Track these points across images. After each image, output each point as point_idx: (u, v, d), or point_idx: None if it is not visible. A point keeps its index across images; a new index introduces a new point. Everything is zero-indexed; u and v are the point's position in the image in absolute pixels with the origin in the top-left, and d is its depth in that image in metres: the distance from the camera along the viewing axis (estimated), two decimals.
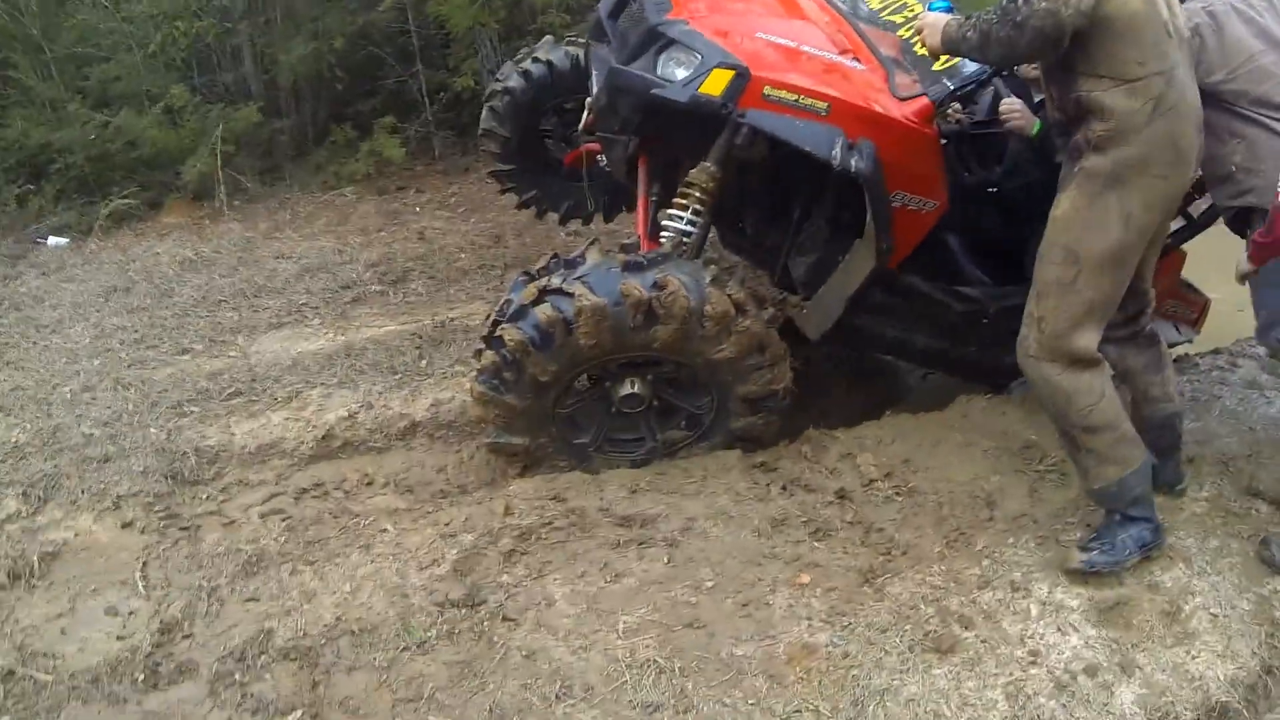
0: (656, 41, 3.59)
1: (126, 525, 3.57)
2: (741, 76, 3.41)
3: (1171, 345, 4.22)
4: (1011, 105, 3.87)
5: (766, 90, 3.44)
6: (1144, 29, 2.82)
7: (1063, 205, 3.03)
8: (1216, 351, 4.84)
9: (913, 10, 4.09)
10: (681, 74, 3.49)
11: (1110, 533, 3.19)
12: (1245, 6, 3.48)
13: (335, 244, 6.46)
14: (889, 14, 4.13)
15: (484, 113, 5.25)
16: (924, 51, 3.48)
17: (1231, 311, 4.48)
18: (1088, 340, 3.04)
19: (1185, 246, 4.14)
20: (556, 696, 2.59)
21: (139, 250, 6.59)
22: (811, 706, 2.64)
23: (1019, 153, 4.05)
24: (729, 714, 2.59)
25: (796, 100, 3.44)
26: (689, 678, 2.68)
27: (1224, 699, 2.85)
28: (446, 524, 3.30)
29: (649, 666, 2.70)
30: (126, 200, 7.31)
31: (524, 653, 2.72)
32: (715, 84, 3.40)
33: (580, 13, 8.24)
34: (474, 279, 5.87)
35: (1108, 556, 3.15)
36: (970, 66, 3.67)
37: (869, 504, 3.52)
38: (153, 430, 4.14)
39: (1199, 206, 3.97)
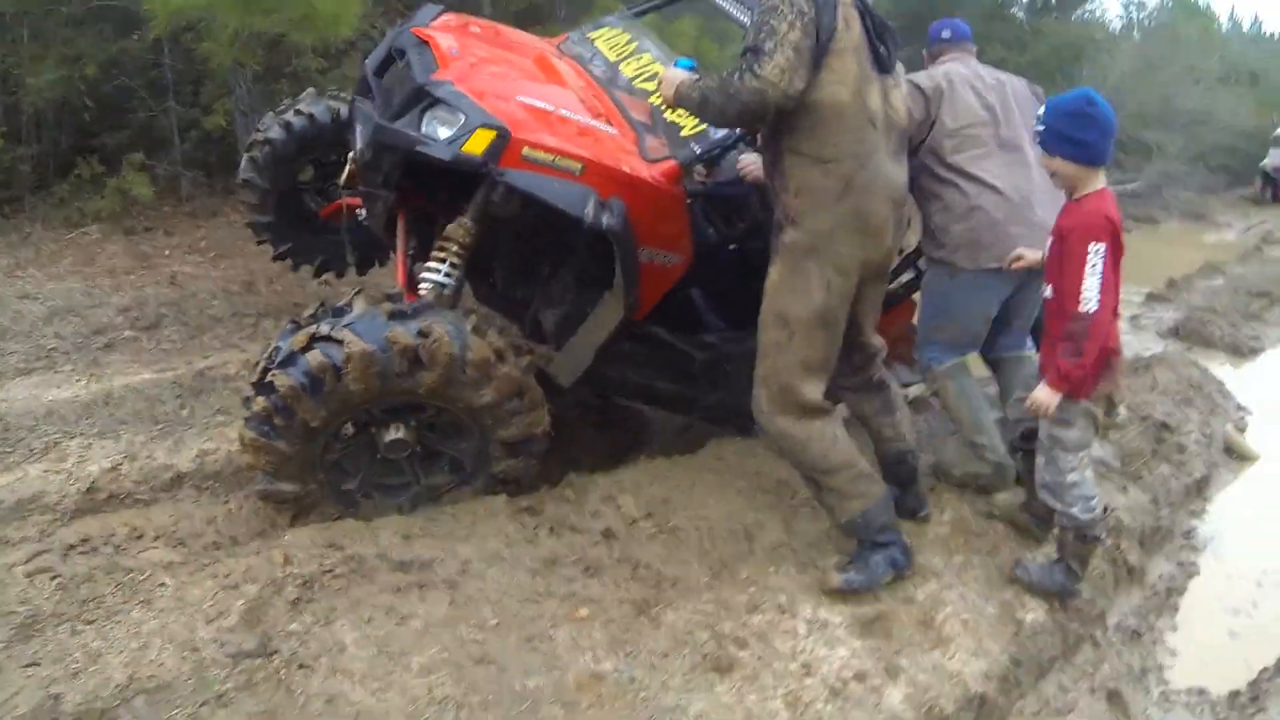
0: (422, 100, 3.72)
1: None
2: (502, 137, 3.57)
3: (906, 385, 4.71)
4: (749, 159, 4.18)
5: (525, 151, 3.62)
6: (846, 118, 3.22)
7: (772, 275, 3.43)
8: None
9: None
10: (445, 132, 3.62)
11: (863, 556, 3.55)
12: (976, 80, 4.20)
13: (83, 285, 6.25)
14: (641, 81, 4.41)
15: (244, 162, 5.25)
16: (659, 101, 3.81)
17: None
18: (812, 392, 3.41)
19: None
20: None
21: None
22: None
23: (760, 212, 4.37)
24: None
25: (552, 161, 3.65)
26: (488, 710, 2.80)
27: (981, 690, 3.26)
28: (227, 575, 3.28)
29: (448, 703, 2.80)
30: None
31: (324, 698, 2.76)
32: (477, 143, 3.56)
33: (335, 58, 8.26)
34: (228, 326, 5.82)
35: (863, 576, 3.51)
36: (719, 132, 3.98)
37: (634, 542, 3.72)
38: None
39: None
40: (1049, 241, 3.50)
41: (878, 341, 3.79)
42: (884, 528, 3.56)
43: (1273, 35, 48.21)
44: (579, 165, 3.68)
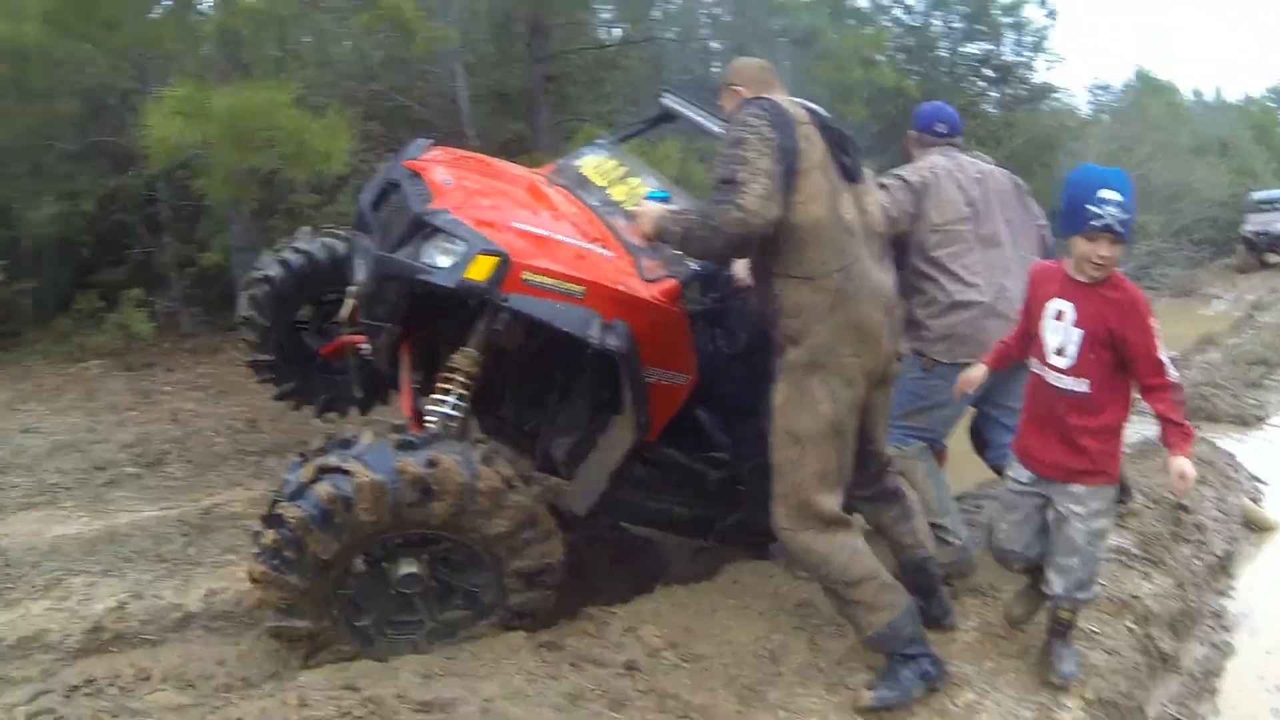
0: (421, 230, 3.73)
1: None
2: (504, 262, 3.58)
3: None
4: (743, 267, 4.11)
5: (525, 275, 3.62)
6: (825, 233, 3.28)
7: (777, 397, 3.43)
8: (961, 497, 5.27)
9: None
10: (446, 261, 3.62)
11: (894, 671, 3.47)
12: (959, 173, 4.32)
13: (86, 421, 6.24)
14: (632, 205, 4.36)
15: (242, 300, 5.23)
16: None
17: (968, 453, 4.94)
18: (830, 504, 3.39)
19: None
20: None
21: None
22: None
23: (760, 324, 4.43)
24: None
25: (555, 285, 3.65)
26: None
27: None
28: (239, 719, 3.26)
29: None
30: None
31: None
32: (480, 269, 3.56)
33: (329, 193, 8.40)
34: (232, 464, 5.79)
35: (895, 692, 3.43)
36: None
37: (659, 672, 3.63)
38: None
39: None
40: (1076, 336, 3.43)
41: (890, 450, 3.81)
42: (912, 639, 3.49)
43: (1235, 103, 49.41)
44: (581, 289, 3.69)
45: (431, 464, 3.41)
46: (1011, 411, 4.27)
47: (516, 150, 10.13)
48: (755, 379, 4.39)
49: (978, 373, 3.83)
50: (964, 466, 5.23)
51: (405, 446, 3.45)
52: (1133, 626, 4.12)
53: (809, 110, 3.40)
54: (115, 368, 7.41)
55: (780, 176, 3.18)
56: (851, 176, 3.43)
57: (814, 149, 3.29)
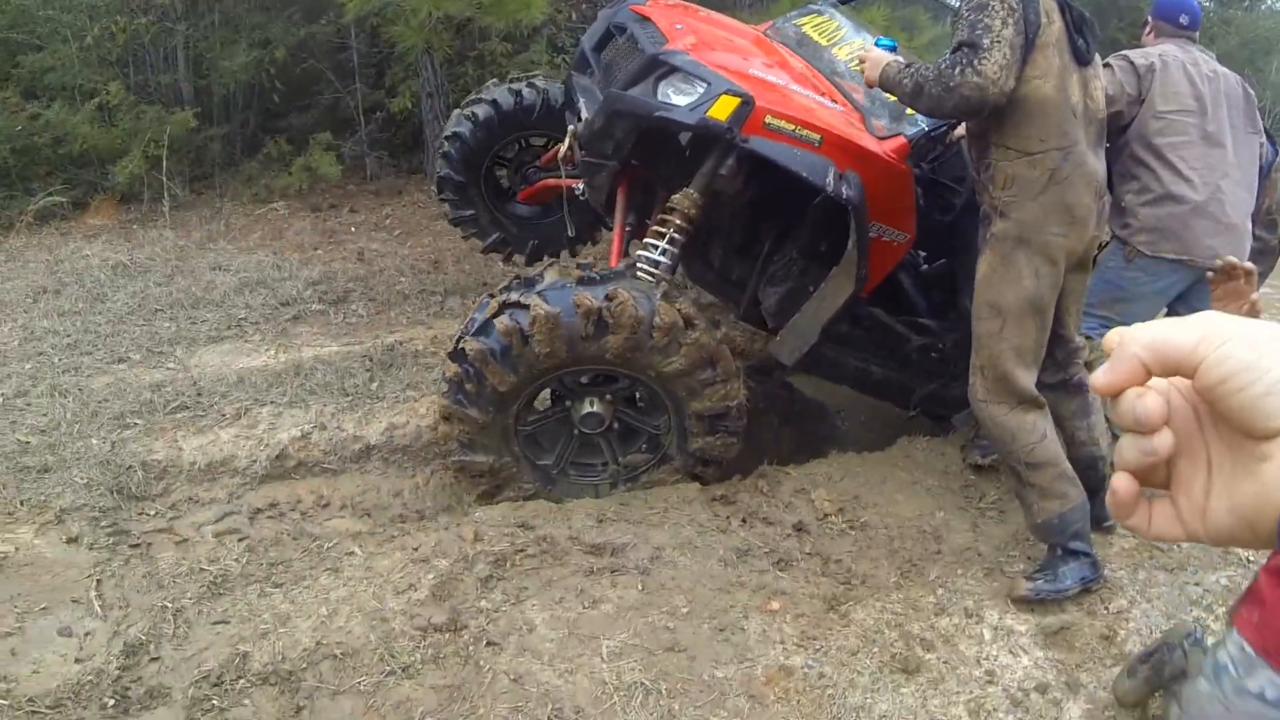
0: (656, 70, 3.68)
1: (72, 540, 3.42)
2: (747, 104, 3.52)
3: None
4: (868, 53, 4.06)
5: (768, 119, 3.56)
6: (1050, 111, 3.23)
7: (982, 268, 3.43)
8: None
9: None
10: (682, 100, 3.59)
11: (1053, 565, 3.42)
12: (1192, 66, 4.12)
13: (273, 259, 6.37)
14: (857, 65, 4.27)
15: (438, 161, 5.29)
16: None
17: None
18: (1026, 381, 3.39)
19: None
20: (548, 719, 2.59)
21: (66, 251, 6.44)
22: None
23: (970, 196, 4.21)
24: None
25: (794, 130, 3.58)
26: (675, 699, 2.71)
27: (1159, 713, 3.01)
28: (416, 548, 3.27)
29: (636, 689, 2.72)
30: (53, 197, 7.10)
31: (511, 676, 2.70)
32: (723, 109, 3.51)
33: (522, 42, 8.28)
34: (414, 304, 5.84)
35: (1051, 585, 3.38)
36: None
37: (825, 537, 3.62)
38: (94, 441, 4.01)
39: None
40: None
41: (1080, 339, 3.73)
42: (1077, 535, 3.43)
43: None
44: (819, 136, 3.62)
45: (609, 298, 3.42)
46: None
47: (717, 6, 9.81)
48: (963, 248, 4.29)
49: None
50: None
51: (585, 282, 3.49)
52: None
53: None
54: (301, 209, 7.52)
55: (1020, 49, 3.12)
56: (1082, 59, 3.33)
57: (1053, 25, 3.22)
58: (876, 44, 3.70)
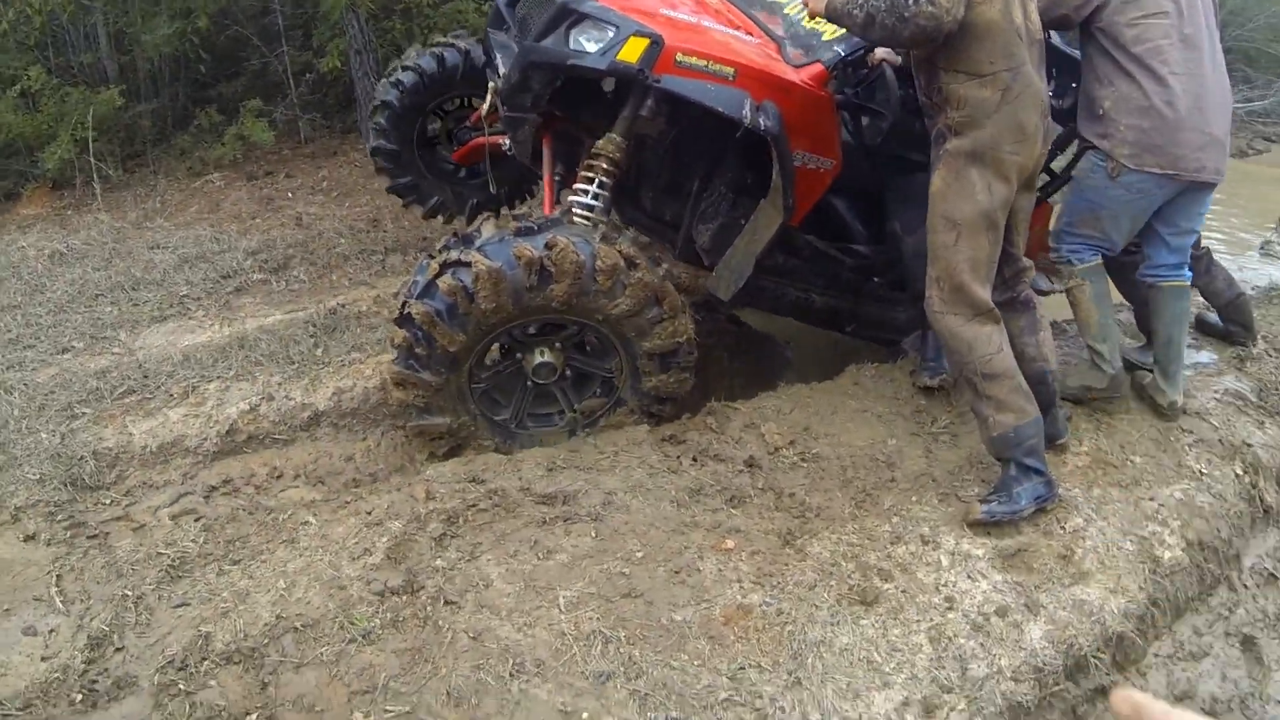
0: (567, 18, 3.67)
1: (30, 538, 3.42)
2: (655, 44, 3.52)
3: (1043, 294, 4.52)
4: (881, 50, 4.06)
5: (679, 56, 3.56)
6: (997, 34, 3.28)
7: (936, 183, 3.46)
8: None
9: None
10: (593, 46, 3.59)
11: (1007, 486, 3.46)
12: None
13: (211, 232, 6.30)
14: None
15: (370, 133, 5.29)
16: (804, 17, 3.84)
17: None
18: (981, 292, 3.44)
19: None
20: (510, 674, 2.61)
21: (0, 244, 6.32)
22: (754, 663, 2.75)
23: (899, 116, 4.21)
24: (679, 676, 2.67)
25: (706, 65, 3.59)
26: (635, 645, 2.74)
27: (1119, 629, 3.12)
28: (369, 513, 3.28)
29: (595, 637, 2.75)
30: None
31: (471, 634, 2.72)
32: (632, 51, 3.52)
33: None
34: (355, 264, 5.81)
35: (1006, 507, 3.41)
36: None
37: (777, 471, 3.65)
38: (44, 435, 3.98)
39: (1060, 164, 4.43)
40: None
41: (1027, 258, 3.79)
42: (1032, 450, 3.47)
43: None
44: (731, 70, 3.62)
45: (548, 246, 3.44)
46: (1182, 232, 4.10)
47: None
48: (892, 171, 4.38)
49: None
50: None
51: (523, 233, 3.50)
52: (1240, 473, 3.99)
53: None
54: (237, 179, 7.43)
55: None
56: None
57: None
58: None
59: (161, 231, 6.39)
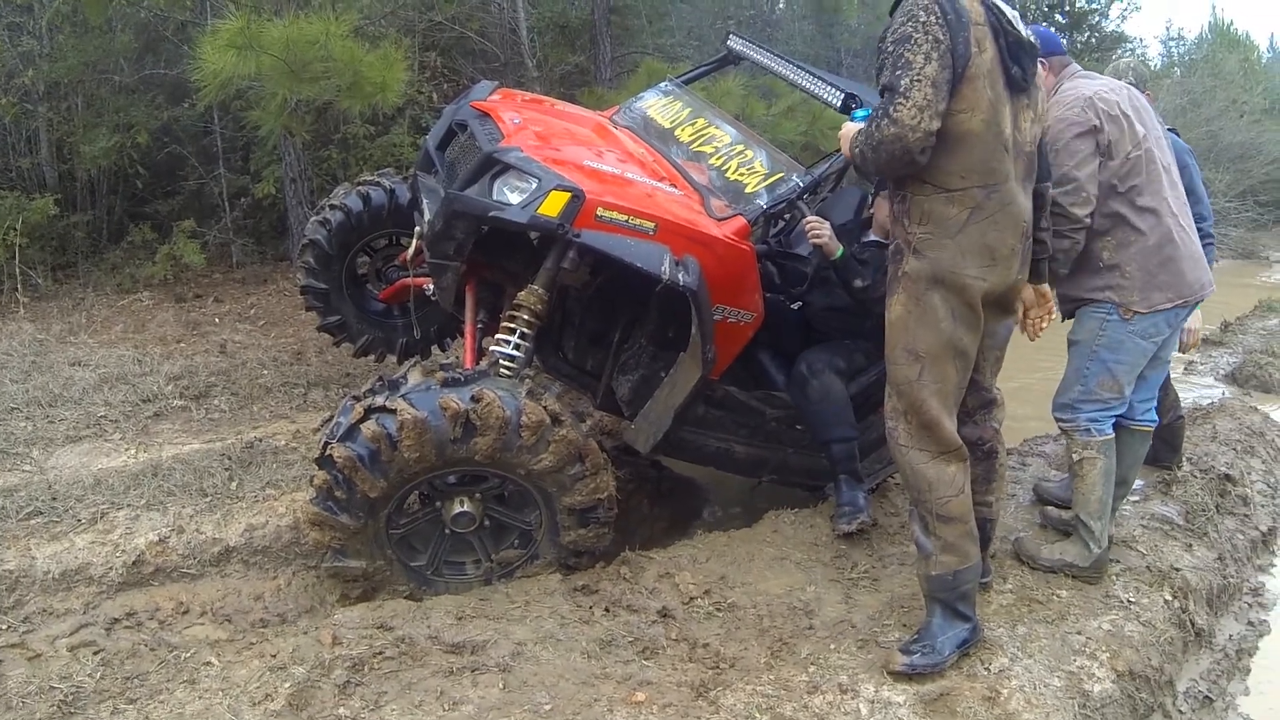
0: (492, 168, 3.74)
1: None
2: (577, 198, 3.59)
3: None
4: (820, 226, 4.14)
5: (599, 211, 3.63)
6: (975, 146, 3.06)
7: (895, 309, 3.26)
8: (1008, 452, 5.13)
9: (722, 142, 4.41)
10: (517, 198, 3.65)
11: (931, 635, 3.39)
12: (1115, 93, 3.91)
13: (134, 353, 6.25)
14: (698, 146, 4.44)
15: (299, 271, 5.31)
16: (729, 168, 3.98)
17: (1017, 411, 4.76)
18: (950, 428, 3.29)
19: None
20: None
21: None
22: None
23: (822, 270, 4.35)
24: None
25: (627, 220, 3.66)
26: None
27: None
28: (274, 655, 3.22)
29: None
30: None
31: None
32: (553, 205, 3.57)
33: (383, 125, 8.36)
34: (278, 397, 5.79)
35: (928, 659, 3.34)
36: (784, 186, 4.03)
37: (691, 621, 3.64)
38: None
39: None
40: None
41: (996, 392, 3.59)
42: (965, 595, 3.41)
43: None
44: (652, 224, 3.69)
45: (475, 399, 3.45)
46: (1161, 364, 4.16)
47: (576, 83, 10.03)
48: (811, 325, 4.47)
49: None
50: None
51: (450, 384, 3.51)
52: (1169, 599, 4.04)
53: (986, 6, 3.07)
54: (165, 299, 7.43)
55: (946, 85, 2.95)
56: (1016, 87, 3.15)
57: (984, 55, 3.02)
58: (853, 117, 3.52)
59: (84, 348, 6.34)
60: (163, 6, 7.72)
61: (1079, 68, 4.11)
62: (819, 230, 4.13)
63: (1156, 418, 4.28)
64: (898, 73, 2.95)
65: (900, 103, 2.92)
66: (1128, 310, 3.86)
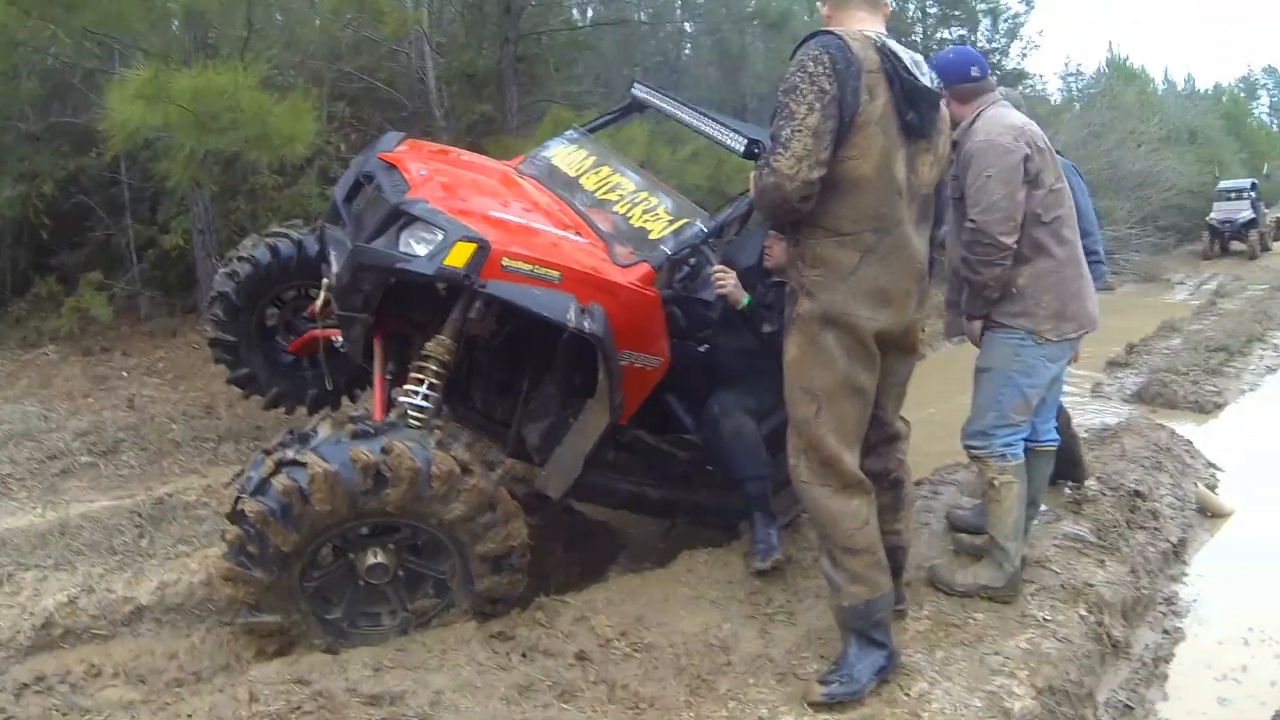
0: (398, 220, 3.78)
1: None
2: (482, 249, 3.63)
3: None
4: (725, 276, 4.22)
5: (505, 261, 3.67)
6: (866, 192, 3.09)
7: (791, 350, 3.29)
8: (919, 482, 5.27)
9: (626, 189, 4.48)
10: (423, 249, 3.68)
11: (848, 664, 3.43)
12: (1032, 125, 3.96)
13: (40, 409, 6.17)
14: (603, 193, 4.52)
15: (208, 324, 5.28)
16: (633, 215, 4.04)
17: (926, 441, 4.89)
18: (851, 463, 3.30)
19: None
20: None
21: None
22: None
23: (729, 314, 4.41)
24: None
25: (532, 270, 3.70)
26: None
27: None
28: (189, 715, 3.17)
29: None
30: None
31: None
32: (458, 256, 3.61)
33: (292, 176, 8.34)
34: (188, 451, 5.76)
35: (846, 688, 3.39)
36: (688, 231, 4.10)
37: (609, 663, 3.65)
38: None
39: None
40: None
41: (900, 425, 3.65)
42: (879, 624, 3.45)
43: (1206, 91, 50.40)
44: (557, 274, 3.74)
45: (385, 451, 3.45)
46: (1059, 388, 4.32)
47: (484, 132, 10.09)
48: (719, 368, 4.50)
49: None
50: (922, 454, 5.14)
51: (360, 436, 3.50)
52: (1085, 614, 4.13)
53: (882, 53, 3.08)
54: (72, 353, 7.33)
55: (829, 135, 2.98)
56: (912, 133, 3.17)
57: (876, 103, 3.04)
58: None
59: None
60: (70, 54, 7.63)
61: (999, 95, 4.13)
62: (723, 280, 4.21)
63: (1058, 437, 4.41)
64: (780, 123, 3.01)
65: (780, 153, 2.99)
66: (1040, 336, 3.95)
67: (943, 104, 3.34)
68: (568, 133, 5.30)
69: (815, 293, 3.19)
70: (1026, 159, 3.84)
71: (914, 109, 3.13)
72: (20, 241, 8.33)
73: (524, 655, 3.65)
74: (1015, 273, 3.91)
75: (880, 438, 3.57)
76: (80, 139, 8.23)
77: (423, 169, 4.23)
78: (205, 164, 7.03)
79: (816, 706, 3.38)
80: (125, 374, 7.05)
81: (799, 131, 2.97)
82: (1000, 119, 3.95)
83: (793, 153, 2.97)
